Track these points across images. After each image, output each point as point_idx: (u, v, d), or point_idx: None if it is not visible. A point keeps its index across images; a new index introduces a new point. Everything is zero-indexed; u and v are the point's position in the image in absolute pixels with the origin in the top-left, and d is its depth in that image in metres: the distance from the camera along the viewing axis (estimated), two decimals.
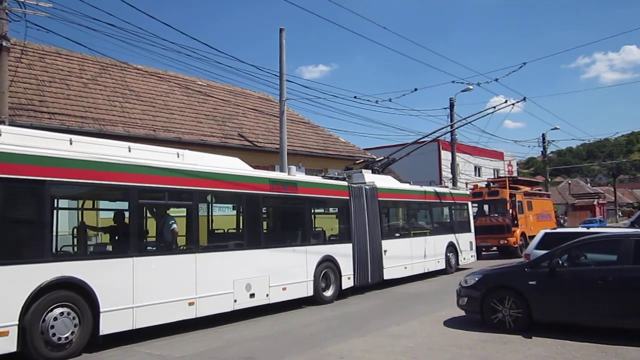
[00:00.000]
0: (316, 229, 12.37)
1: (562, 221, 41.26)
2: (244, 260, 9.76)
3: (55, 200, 7.67)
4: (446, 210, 17.93)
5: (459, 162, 30.54)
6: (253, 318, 9.71)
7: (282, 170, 15.20)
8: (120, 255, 8.01)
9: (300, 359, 6.89)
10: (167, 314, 8.24)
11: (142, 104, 16.88)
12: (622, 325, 7.31)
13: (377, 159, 18.94)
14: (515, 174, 44.66)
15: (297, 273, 10.90)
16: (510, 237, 22.13)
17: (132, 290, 7.75)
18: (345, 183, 12.94)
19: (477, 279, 8.59)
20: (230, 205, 11.42)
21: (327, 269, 11.69)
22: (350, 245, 12.48)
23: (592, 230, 10.92)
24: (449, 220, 17.88)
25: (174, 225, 8.85)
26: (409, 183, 17.09)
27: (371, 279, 13.00)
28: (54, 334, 6.75)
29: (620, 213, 68.40)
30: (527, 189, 25.87)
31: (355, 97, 20.48)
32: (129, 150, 8.37)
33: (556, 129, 48.18)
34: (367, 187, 13.47)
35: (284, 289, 10.49)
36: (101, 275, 7.40)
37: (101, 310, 7.28)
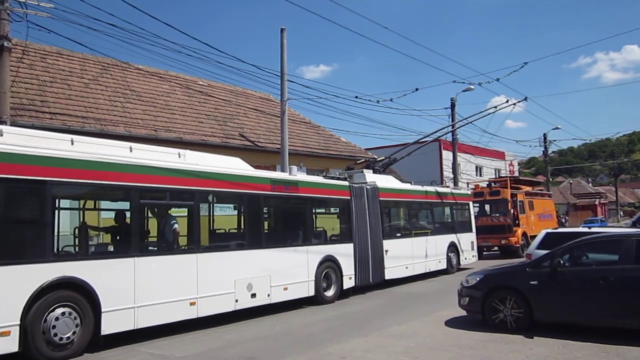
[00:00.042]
0: (317, 229, 12.37)
1: (563, 221, 41.20)
2: (245, 260, 9.76)
3: (57, 200, 7.69)
4: (447, 210, 17.92)
5: (460, 162, 30.55)
6: (254, 318, 9.71)
7: (283, 170, 15.20)
8: (122, 255, 8.02)
9: (302, 358, 6.89)
10: (168, 314, 8.24)
11: (144, 104, 16.90)
12: (623, 326, 7.30)
13: (379, 159, 18.92)
14: (516, 174, 44.71)
15: (298, 273, 10.90)
16: (512, 237, 22.10)
17: (134, 290, 7.75)
18: (346, 183, 12.93)
19: (478, 278, 8.59)
20: (232, 205, 11.42)
21: (329, 268, 11.69)
22: (352, 245, 12.48)
23: (593, 230, 10.91)
24: (450, 220, 17.87)
25: (176, 225, 8.85)
26: (410, 183, 17.07)
27: (372, 279, 12.99)
28: (55, 334, 6.76)
29: (621, 213, 68.31)
30: (529, 188, 25.84)
31: (356, 97, 20.46)
32: (130, 150, 8.38)
33: (557, 128, 48.29)
34: (368, 187, 13.46)
35: (285, 289, 10.49)
36: (102, 275, 7.40)
37: (102, 310, 7.28)
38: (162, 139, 14.94)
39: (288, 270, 10.63)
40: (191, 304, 8.58)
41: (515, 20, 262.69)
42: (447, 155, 33.64)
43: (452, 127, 24.55)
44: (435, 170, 35.96)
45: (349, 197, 12.64)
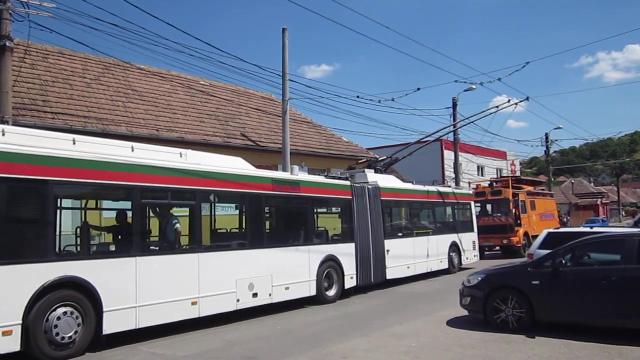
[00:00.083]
0: (319, 229, 12.37)
1: (565, 221, 41.15)
2: (246, 260, 9.76)
3: (59, 200, 7.69)
4: (449, 210, 17.91)
5: (462, 162, 30.54)
6: (255, 318, 9.71)
7: (284, 169, 15.20)
8: (123, 254, 8.02)
9: (303, 358, 6.89)
10: (170, 313, 8.25)
11: (145, 104, 16.91)
12: (625, 325, 7.29)
13: (380, 159, 18.90)
14: (518, 174, 44.68)
15: (299, 272, 10.90)
16: (513, 236, 22.07)
17: (135, 289, 7.76)
18: (347, 182, 12.93)
19: (480, 278, 8.58)
20: (233, 205, 11.42)
21: (330, 268, 11.69)
22: (353, 244, 12.48)
23: (595, 230, 10.90)
24: (451, 220, 17.86)
25: (177, 225, 8.86)
26: (412, 182, 17.07)
27: (374, 278, 12.99)
28: (57, 334, 6.77)
29: (623, 212, 68.23)
30: (530, 188, 25.81)
31: (357, 97, 20.48)
32: (132, 150, 8.38)
33: (559, 128, 48.44)
34: (369, 186, 13.46)
35: (287, 288, 10.49)
36: (104, 274, 7.41)
37: (104, 309, 7.29)
38: (163, 138, 14.95)
39: (289, 269, 10.63)
40: (193, 303, 8.59)
41: (517, 19, 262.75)
42: (448, 155, 33.61)
43: (454, 127, 24.54)
44: (436, 170, 35.95)
45: (351, 197, 12.64)
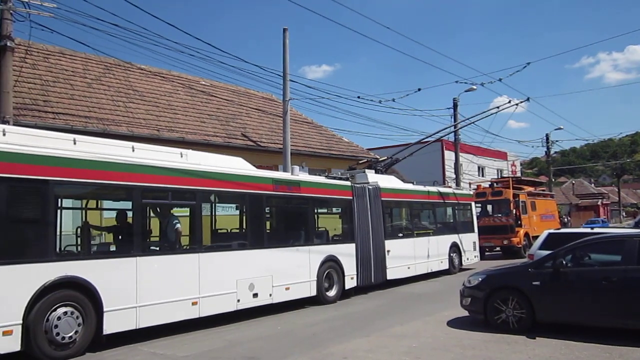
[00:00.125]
0: (319, 229, 12.37)
1: (565, 221, 41.15)
2: (247, 260, 9.76)
3: (59, 200, 7.69)
4: (449, 211, 17.91)
5: (463, 162, 30.53)
6: (256, 318, 9.71)
7: (285, 170, 15.21)
8: (124, 254, 8.03)
9: (304, 358, 6.89)
10: (170, 313, 8.25)
11: (146, 104, 16.92)
12: (626, 326, 7.28)
13: (381, 159, 18.91)
14: (518, 174, 44.67)
15: (300, 273, 10.90)
16: (514, 237, 22.07)
17: (136, 289, 7.76)
18: (348, 183, 12.93)
19: (480, 279, 8.58)
20: (234, 205, 11.42)
21: (330, 269, 11.69)
22: (354, 245, 12.47)
23: (595, 230, 10.89)
24: (452, 221, 17.86)
25: (178, 225, 8.86)
26: (412, 183, 17.07)
27: (374, 279, 12.99)
28: (57, 333, 6.77)
29: (624, 213, 68.16)
30: (531, 189, 25.80)
31: (358, 97, 20.46)
32: (133, 150, 8.39)
33: (560, 129, 48.23)
34: (370, 187, 13.46)
35: (287, 288, 10.49)
36: (105, 274, 7.42)
37: (105, 309, 7.30)
38: (164, 138, 14.96)
39: (290, 270, 10.63)
40: (193, 303, 8.59)
41: (518, 20, 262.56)
42: (449, 156, 33.59)
43: (455, 127, 24.54)
44: (437, 171, 35.97)
45: (351, 197, 12.64)
